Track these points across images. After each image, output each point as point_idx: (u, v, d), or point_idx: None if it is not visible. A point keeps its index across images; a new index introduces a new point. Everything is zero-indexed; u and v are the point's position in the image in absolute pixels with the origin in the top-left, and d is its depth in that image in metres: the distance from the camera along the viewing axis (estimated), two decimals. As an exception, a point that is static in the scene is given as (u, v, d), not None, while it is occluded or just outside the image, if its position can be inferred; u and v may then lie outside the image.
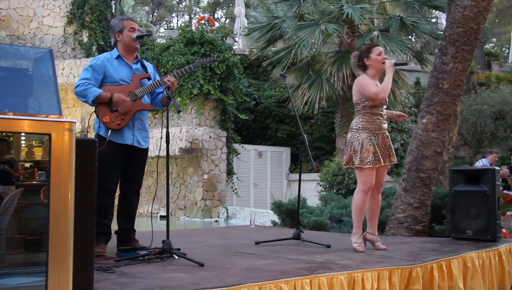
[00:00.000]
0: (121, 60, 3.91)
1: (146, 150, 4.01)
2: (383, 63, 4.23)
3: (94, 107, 3.79)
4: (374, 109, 4.20)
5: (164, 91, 3.72)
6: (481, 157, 10.05)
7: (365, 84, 4.20)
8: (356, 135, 4.20)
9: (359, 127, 4.20)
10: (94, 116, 3.85)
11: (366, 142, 4.14)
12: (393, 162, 4.29)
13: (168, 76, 3.82)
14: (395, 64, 4.22)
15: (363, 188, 4.18)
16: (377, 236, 4.35)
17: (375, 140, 4.17)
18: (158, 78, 3.94)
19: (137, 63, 3.97)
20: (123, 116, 3.77)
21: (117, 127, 3.75)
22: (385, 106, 4.32)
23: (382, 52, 4.28)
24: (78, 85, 3.75)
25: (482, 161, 9.50)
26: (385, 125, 4.29)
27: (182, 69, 4.02)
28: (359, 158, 4.13)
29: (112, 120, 3.74)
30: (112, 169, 3.75)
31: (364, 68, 4.31)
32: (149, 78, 3.93)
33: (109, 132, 3.72)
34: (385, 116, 4.29)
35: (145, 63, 4.01)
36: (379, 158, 4.15)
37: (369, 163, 4.12)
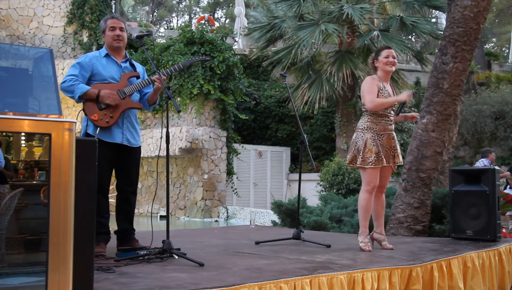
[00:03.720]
0: (109, 59, 3.91)
1: (139, 148, 3.98)
2: (387, 64, 4.28)
3: (82, 105, 3.76)
4: (381, 110, 4.26)
5: (165, 91, 3.72)
6: (481, 157, 10.04)
7: (367, 88, 4.27)
8: (360, 135, 4.27)
9: (364, 127, 4.27)
10: (81, 114, 3.82)
11: (369, 142, 4.20)
12: (397, 163, 4.35)
13: (156, 75, 3.80)
14: (402, 105, 4.29)
15: (367, 188, 4.23)
16: (384, 236, 4.41)
17: (379, 140, 4.22)
18: (146, 77, 3.95)
19: (126, 62, 3.97)
20: (112, 114, 3.74)
21: (106, 125, 3.72)
22: (394, 107, 4.37)
23: (390, 54, 4.32)
24: (65, 80, 3.73)
25: (483, 161, 9.49)
26: (392, 126, 4.34)
27: (171, 67, 3.99)
28: (361, 158, 4.20)
29: (101, 118, 3.72)
30: (103, 168, 3.71)
31: (376, 69, 4.41)
32: (137, 77, 3.93)
33: (98, 130, 3.69)
34: (391, 118, 4.33)
35: (134, 62, 4.01)
36: (382, 158, 4.19)
37: (371, 163, 4.17)
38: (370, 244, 4.22)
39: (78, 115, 3.90)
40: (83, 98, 3.72)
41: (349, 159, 4.35)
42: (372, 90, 4.24)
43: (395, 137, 4.38)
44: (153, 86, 3.92)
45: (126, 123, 3.86)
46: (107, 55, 3.91)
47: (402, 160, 4.41)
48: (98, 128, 3.70)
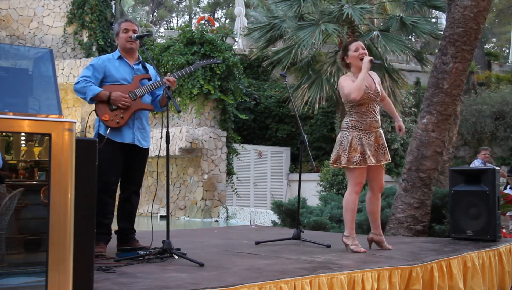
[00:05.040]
0: (122, 61, 3.96)
1: (147, 150, 4.03)
2: (361, 59, 4.15)
3: (94, 106, 3.82)
4: (363, 107, 4.13)
5: (164, 91, 3.74)
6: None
7: (342, 85, 4.16)
8: (345, 134, 4.15)
9: (349, 126, 4.15)
10: (93, 115, 3.87)
11: (354, 141, 4.09)
12: (387, 160, 4.20)
13: (168, 76, 3.84)
14: (372, 62, 4.11)
15: (355, 189, 4.14)
16: (382, 236, 4.34)
17: (366, 139, 4.10)
18: (159, 79, 3.97)
19: (139, 64, 4.02)
20: (123, 114, 3.79)
21: (116, 125, 3.77)
22: (379, 104, 4.24)
23: (359, 46, 4.18)
24: (79, 82, 3.81)
25: (474, 162, 9.56)
26: (378, 124, 4.20)
27: (182, 70, 4.05)
28: (346, 157, 4.09)
29: (112, 119, 3.76)
30: (112, 168, 3.77)
31: (348, 66, 4.28)
32: (149, 79, 3.97)
33: (108, 131, 3.74)
34: (377, 114, 4.19)
35: (147, 65, 4.05)
36: (368, 157, 4.07)
37: (355, 163, 4.06)
38: (360, 245, 4.12)
39: (89, 115, 3.93)
40: (95, 100, 3.77)
41: (333, 159, 4.22)
42: (347, 84, 4.11)
43: (383, 134, 4.24)
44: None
45: (136, 124, 3.90)
46: (120, 58, 3.96)
47: (390, 157, 4.25)
48: (109, 129, 3.75)
